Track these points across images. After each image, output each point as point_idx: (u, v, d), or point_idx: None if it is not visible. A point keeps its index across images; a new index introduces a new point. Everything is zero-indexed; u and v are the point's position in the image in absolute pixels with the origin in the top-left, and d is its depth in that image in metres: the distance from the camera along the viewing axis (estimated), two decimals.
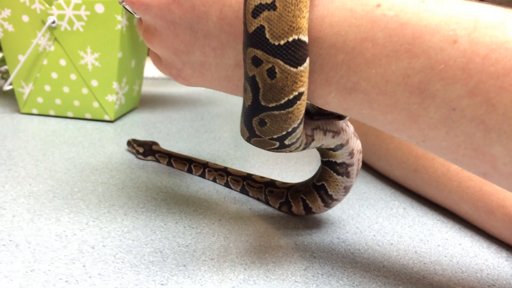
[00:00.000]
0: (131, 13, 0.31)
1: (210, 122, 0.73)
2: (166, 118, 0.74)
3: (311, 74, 0.24)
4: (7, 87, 0.65)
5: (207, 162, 0.48)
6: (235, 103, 0.89)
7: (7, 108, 0.73)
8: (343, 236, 0.37)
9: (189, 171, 0.50)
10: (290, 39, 0.22)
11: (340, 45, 0.22)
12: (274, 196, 0.41)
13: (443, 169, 0.41)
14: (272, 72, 0.23)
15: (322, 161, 0.36)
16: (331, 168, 0.35)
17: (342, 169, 0.35)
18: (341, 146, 0.33)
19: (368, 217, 0.41)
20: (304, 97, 0.25)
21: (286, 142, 0.28)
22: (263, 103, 0.25)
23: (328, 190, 0.36)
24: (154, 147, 0.53)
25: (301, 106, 0.25)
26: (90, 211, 0.39)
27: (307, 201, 0.38)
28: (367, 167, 0.54)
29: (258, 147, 0.29)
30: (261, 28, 0.22)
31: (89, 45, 0.63)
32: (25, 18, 0.62)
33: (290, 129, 0.26)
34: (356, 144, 0.34)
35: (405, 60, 0.21)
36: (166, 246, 0.34)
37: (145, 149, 0.53)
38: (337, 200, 0.37)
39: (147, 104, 0.84)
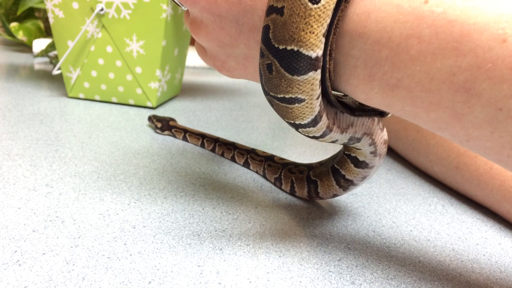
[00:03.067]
0: (179, 5, 0.32)
1: (249, 112, 0.74)
2: (206, 107, 0.75)
3: (354, 69, 0.24)
4: (56, 72, 0.68)
5: (218, 138, 0.52)
6: None
7: (55, 92, 0.76)
8: (379, 230, 0.37)
9: (202, 145, 0.53)
10: (289, 48, 0.23)
11: (385, 41, 0.22)
12: (271, 171, 0.44)
13: (485, 167, 0.40)
14: (270, 68, 0.24)
15: (332, 167, 0.37)
16: (335, 178, 0.37)
17: (345, 184, 0.36)
18: (366, 165, 0.34)
19: (405, 212, 0.40)
20: (306, 104, 0.25)
21: (300, 131, 0.28)
22: (266, 88, 0.26)
23: (319, 188, 0.38)
24: (171, 122, 0.57)
25: (302, 109, 0.25)
26: (132, 192, 0.40)
27: (294, 184, 0.41)
28: (406, 163, 0.53)
29: None
30: (267, 27, 0.23)
31: (135, 32, 0.64)
32: (75, 5, 0.65)
33: (296, 122, 0.27)
34: (372, 175, 0.35)
35: (451, 58, 0.21)
36: (203, 229, 0.35)
37: (163, 124, 0.57)
38: (321, 199, 0.40)
39: (188, 93, 0.85)
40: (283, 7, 0.22)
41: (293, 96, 0.25)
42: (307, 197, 0.40)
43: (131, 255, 0.31)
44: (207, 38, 0.31)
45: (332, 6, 0.22)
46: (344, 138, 0.30)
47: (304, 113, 0.26)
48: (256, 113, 0.74)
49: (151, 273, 0.29)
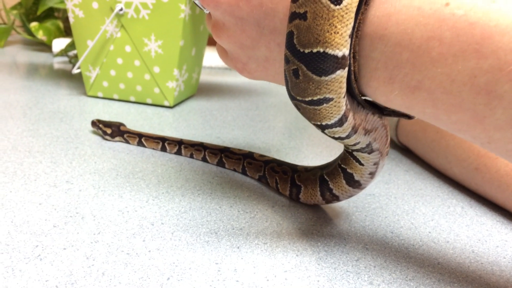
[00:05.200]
0: (201, 8, 0.33)
1: (265, 112, 0.74)
2: (222, 106, 0.75)
3: (374, 71, 0.24)
4: (75, 71, 0.69)
5: (182, 139, 0.50)
6: None
7: (74, 90, 0.77)
8: (397, 231, 0.37)
9: (163, 149, 0.51)
10: (315, 50, 0.23)
11: (405, 43, 0.22)
12: (253, 168, 0.45)
13: (506, 168, 0.40)
14: (296, 73, 0.25)
15: (320, 176, 0.37)
16: (321, 189, 0.37)
17: (329, 197, 0.37)
18: (359, 185, 0.34)
19: (423, 214, 0.40)
20: (334, 103, 0.25)
21: (326, 132, 0.28)
22: (292, 93, 0.26)
23: (301, 193, 0.39)
24: (122, 127, 0.53)
25: (329, 109, 0.25)
26: (150, 190, 0.40)
27: (279, 185, 0.42)
28: (424, 164, 0.53)
29: None
30: (291, 33, 0.24)
31: (153, 32, 0.65)
32: (95, 5, 0.65)
33: (323, 123, 0.27)
34: (356, 193, 0.36)
35: (472, 60, 0.20)
36: (221, 228, 0.35)
37: (113, 130, 0.53)
38: (301, 203, 0.40)
39: (204, 92, 0.85)
40: (305, 12, 0.22)
41: (322, 97, 0.25)
42: (288, 195, 0.41)
43: (149, 251, 0.31)
44: (229, 40, 0.31)
45: (355, 7, 0.22)
46: (365, 141, 0.30)
47: (331, 113, 0.26)
48: (273, 113, 0.74)
49: (170, 269, 0.29)
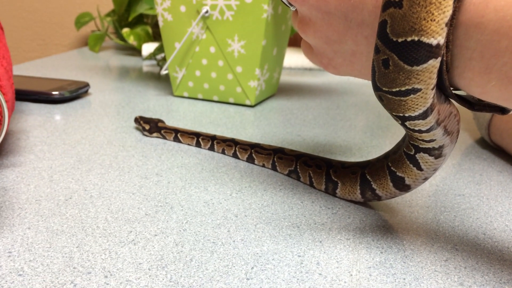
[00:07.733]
0: (288, 6, 0.33)
1: (346, 111, 0.73)
2: (302, 106, 0.75)
3: (469, 61, 0.23)
4: (164, 72, 0.72)
5: (215, 135, 0.50)
6: (370, 93, 0.87)
7: (162, 91, 0.81)
8: (489, 233, 0.34)
9: (198, 144, 0.51)
10: (409, 39, 0.23)
11: (504, 30, 0.21)
12: (283, 163, 0.44)
13: None
14: (386, 63, 0.24)
15: (362, 175, 0.36)
16: (362, 187, 0.36)
17: (370, 196, 0.36)
18: (408, 188, 0.33)
19: None
20: (421, 94, 0.24)
21: (407, 124, 0.27)
22: (378, 84, 0.26)
23: (338, 189, 0.38)
24: (159, 124, 0.54)
25: (416, 100, 0.25)
26: (233, 184, 0.41)
27: (313, 179, 0.41)
28: None
29: None
30: (384, 22, 0.23)
31: (236, 33, 0.67)
32: (182, 8, 0.69)
33: (406, 115, 0.26)
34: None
35: None
36: (302, 222, 0.35)
37: (151, 126, 0.54)
38: (337, 197, 0.39)
39: (285, 92, 0.86)
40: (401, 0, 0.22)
41: (410, 88, 0.24)
42: (324, 190, 0.40)
43: (234, 241, 0.32)
44: (315, 35, 0.31)
45: None
46: (441, 141, 0.29)
47: (417, 104, 0.25)
48: (354, 112, 0.72)
49: (254, 259, 0.30)
